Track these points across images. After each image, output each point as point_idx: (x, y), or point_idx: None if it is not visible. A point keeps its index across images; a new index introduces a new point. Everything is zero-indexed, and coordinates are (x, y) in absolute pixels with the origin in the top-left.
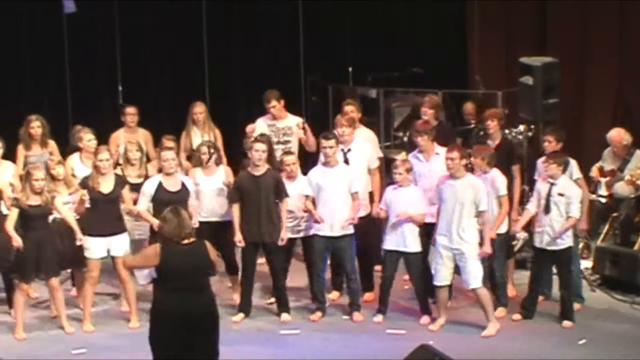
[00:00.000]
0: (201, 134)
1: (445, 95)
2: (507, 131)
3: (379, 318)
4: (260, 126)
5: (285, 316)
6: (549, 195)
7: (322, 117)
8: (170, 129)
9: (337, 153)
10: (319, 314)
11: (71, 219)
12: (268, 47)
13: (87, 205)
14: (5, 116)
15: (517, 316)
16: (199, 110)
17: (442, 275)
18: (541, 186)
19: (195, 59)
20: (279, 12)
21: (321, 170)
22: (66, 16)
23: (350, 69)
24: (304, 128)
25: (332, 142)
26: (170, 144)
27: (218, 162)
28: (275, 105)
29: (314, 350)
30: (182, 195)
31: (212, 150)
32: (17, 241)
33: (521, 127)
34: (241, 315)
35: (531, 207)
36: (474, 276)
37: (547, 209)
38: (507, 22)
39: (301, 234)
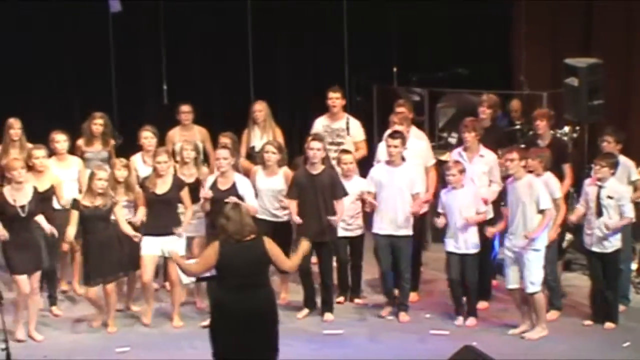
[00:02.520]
0: (260, 133)
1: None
2: (551, 132)
3: (459, 321)
4: (316, 126)
5: (328, 315)
6: (598, 198)
7: (366, 118)
8: (215, 129)
9: (401, 152)
10: (388, 309)
11: (124, 224)
12: (313, 46)
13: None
14: (52, 114)
15: (587, 322)
16: (258, 108)
17: (511, 278)
18: (589, 189)
19: (240, 58)
20: (324, 11)
21: (385, 168)
22: (112, 16)
23: (395, 69)
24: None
25: (397, 141)
26: (226, 140)
27: (281, 164)
28: (339, 97)
29: (357, 350)
30: (230, 195)
31: (278, 152)
32: (71, 240)
33: (566, 129)
34: (306, 310)
35: (580, 208)
36: (533, 281)
37: (598, 213)
38: (553, 22)
39: (349, 233)
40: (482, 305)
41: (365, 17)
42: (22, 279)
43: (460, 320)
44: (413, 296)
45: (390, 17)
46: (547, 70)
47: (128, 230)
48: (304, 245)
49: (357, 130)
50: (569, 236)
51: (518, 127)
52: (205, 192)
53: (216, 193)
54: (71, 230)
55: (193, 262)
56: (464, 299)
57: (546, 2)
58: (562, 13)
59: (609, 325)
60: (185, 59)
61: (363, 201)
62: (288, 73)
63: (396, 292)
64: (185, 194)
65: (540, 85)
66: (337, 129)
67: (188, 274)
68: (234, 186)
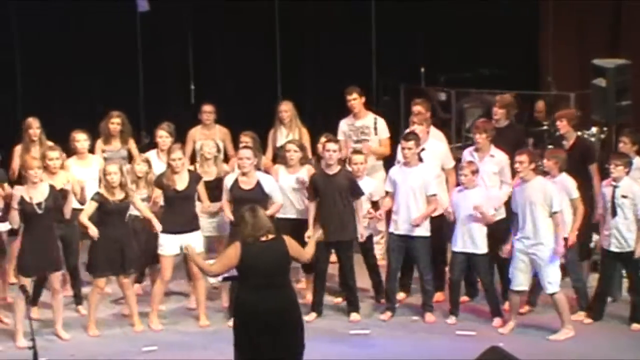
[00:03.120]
0: (287, 132)
1: (517, 96)
2: (579, 133)
3: (452, 320)
4: (341, 127)
5: (354, 316)
6: (613, 198)
7: (393, 117)
8: (243, 128)
9: (416, 154)
10: (388, 313)
11: (148, 213)
12: (340, 46)
13: (161, 204)
14: (78, 113)
15: (587, 320)
16: (284, 108)
17: (519, 280)
18: (605, 190)
19: (268, 58)
20: (352, 12)
21: (400, 169)
22: (140, 15)
23: (422, 69)
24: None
25: (410, 143)
26: (247, 139)
27: (303, 162)
28: (356, 98)
29: (383, 351)
30: (254, 194)
31: (299, 150)
32: (93, 231)
33: (594, 129)
34: (313, 314)
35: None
36: (550, 281)
37: (613, 212)
38: (581, 23)
39: (365, 234)
40: (508, 306)
41: (393, 17)
42: (25, 280)
43: (452, 319)
44: (438, 296)
45: (417, 17)
46: (574, 70)
47: (150, 216)
48: (317, 234)
49: (382, 128)
50: (595, 237)
51: (545, 127)
52: (225, 211)
53: (239, 192)
54: (84, 215)
55: (212, 261)
56: (463, 298)
57: (573, 2)
58: (589, 13)
59: (635, 326)
60: (213, 58)
61: (373, 203)
62: (315, 73)
63: (399, 297)
64: (201, 187)
65: (567, 85)
66: (361, 127)
67: (207, 274)
68: (258, 185)
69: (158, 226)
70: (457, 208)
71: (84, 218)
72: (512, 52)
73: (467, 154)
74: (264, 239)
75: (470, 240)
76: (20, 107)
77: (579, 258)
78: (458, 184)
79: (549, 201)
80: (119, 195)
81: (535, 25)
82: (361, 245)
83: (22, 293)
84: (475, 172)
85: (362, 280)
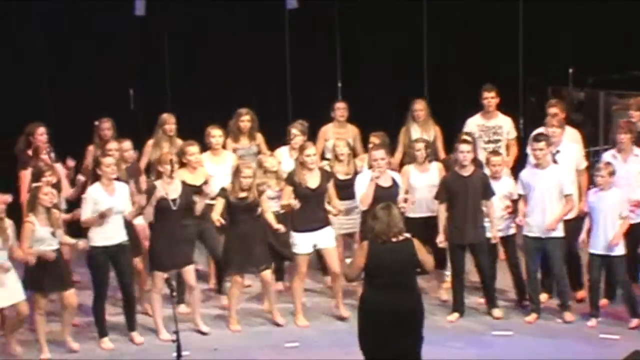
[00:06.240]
0: (420, 131)
1: None
2: None
3: (592, 322)
4: (469, 126)
5: (496, 312)
6: None
7: (539, 119)
8: (388, 126)
9: (548, 155)
10: (534, 315)
11: (270, 215)
12: (487, 46)
13: (297, 207)
14: (226, 109)
15: None
16: (419, 107)
17: None
18: None
19: (414, 57)
20: (500, 11)
21: (532, 171)
22: (288, 12)
23: (570, 70)
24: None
25: (542, 144)
26: (377, 140)
27: (432, 160)
28: (494, 96)
29: (524, 352)
30: (392, 191)
31: (427, 148)
32: (221, 221)
33: None
34: (456, 314)
35: None
36: None
37: None
38: None
39: (500, 234)
40: None
41: (541, 17)
42: (159, 275)
43: (593, 321)
44: (581, 294)
45: (566, 16)
46: None
47: (273, 222)
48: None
49: (510, 128)
50: None
51: None
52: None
53: (378, 191)
54: (215, 215)
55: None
56: (603, 301)
57: None
58: None
59: None
60: (360, 56)
61: (513, 202)
62: (462, 72)
63: (542, 298)
64: (331, 187)
65: None
66: (494, 127)
67: (347, 280)
68: (395, 183)
69: (277, 226)
70: (593, 210)
71: (215, 215)
72: None
73: (609, 157)
74: (394, 239)
75: (607, 242)
76: (169, 107)
77: None
78: (590, 184)
79: None
80: (244, 194)
81: None
82: (503, 245)
83: (168, 287)
84: (612, 173)
85: (501, 281)
